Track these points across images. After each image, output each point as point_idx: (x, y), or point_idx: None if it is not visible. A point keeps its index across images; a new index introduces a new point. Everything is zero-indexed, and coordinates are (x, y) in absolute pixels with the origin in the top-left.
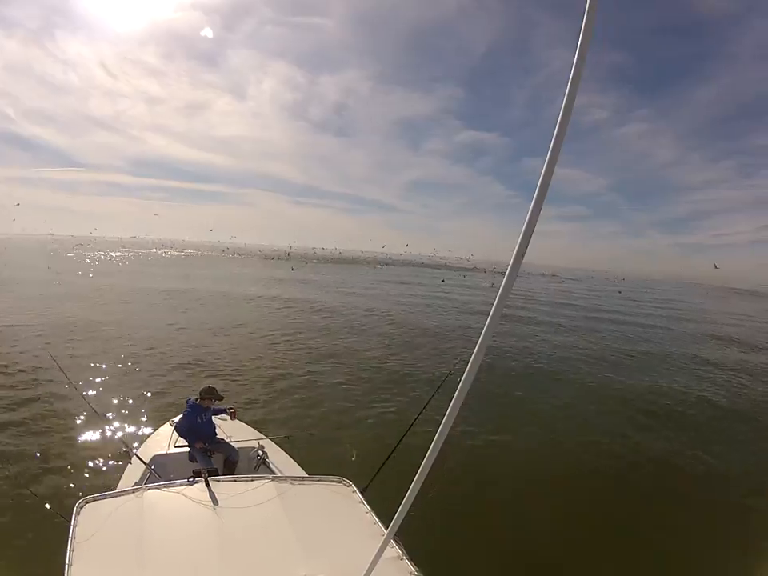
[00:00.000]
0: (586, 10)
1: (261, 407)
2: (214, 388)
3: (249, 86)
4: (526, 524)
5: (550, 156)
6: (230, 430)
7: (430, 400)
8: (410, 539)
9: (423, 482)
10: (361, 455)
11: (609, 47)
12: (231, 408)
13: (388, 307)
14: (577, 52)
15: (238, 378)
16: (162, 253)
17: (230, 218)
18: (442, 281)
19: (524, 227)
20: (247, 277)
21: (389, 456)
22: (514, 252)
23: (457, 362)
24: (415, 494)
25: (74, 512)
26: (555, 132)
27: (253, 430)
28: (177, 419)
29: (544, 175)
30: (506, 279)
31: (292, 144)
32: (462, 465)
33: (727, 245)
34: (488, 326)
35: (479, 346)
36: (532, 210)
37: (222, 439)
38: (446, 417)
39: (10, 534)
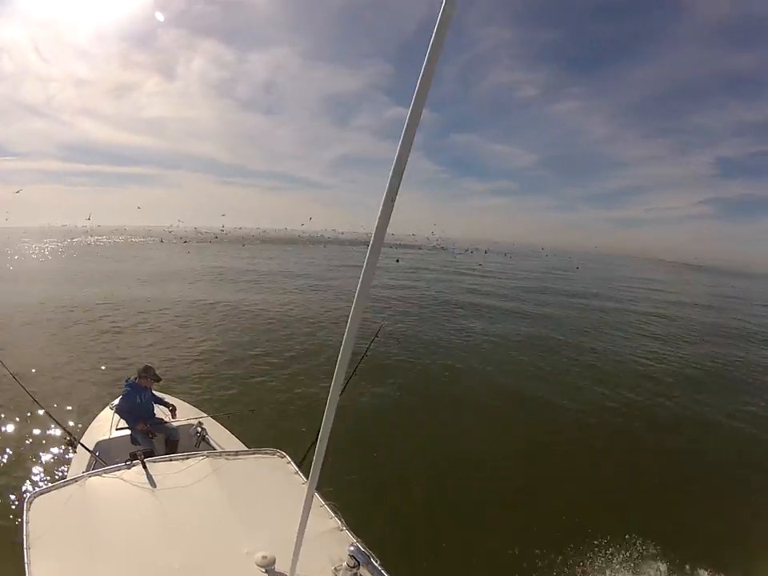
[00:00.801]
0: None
1: (202, 387)
2: (151, 367)
3: (177, 66)
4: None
5: (403, 140)
6: (159, 411)
7: (354, 371)
8: (349, 511)
9: (329, 436)
10: (297, 430)
11: (542, 25)
12: (172, 406)
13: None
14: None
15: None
16: (92, 241)
17: (159, 199)
18: (397, 261)
19: (380, 211)
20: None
21: (319, 428)
22: (374, 230)
23: (374, 337)
24: (323, 451)
25: (25, 508)
26: (407, 121)
27: (193, 407)
28: (116, 402)
29: (400, 150)
30: (368, 257)
31: (220, 123)
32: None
33: (660, 219)
34: (356, 304)
35: (351, 320)
36: (389, 187)
37: (162, 419)
38: (334, 378)
39: None
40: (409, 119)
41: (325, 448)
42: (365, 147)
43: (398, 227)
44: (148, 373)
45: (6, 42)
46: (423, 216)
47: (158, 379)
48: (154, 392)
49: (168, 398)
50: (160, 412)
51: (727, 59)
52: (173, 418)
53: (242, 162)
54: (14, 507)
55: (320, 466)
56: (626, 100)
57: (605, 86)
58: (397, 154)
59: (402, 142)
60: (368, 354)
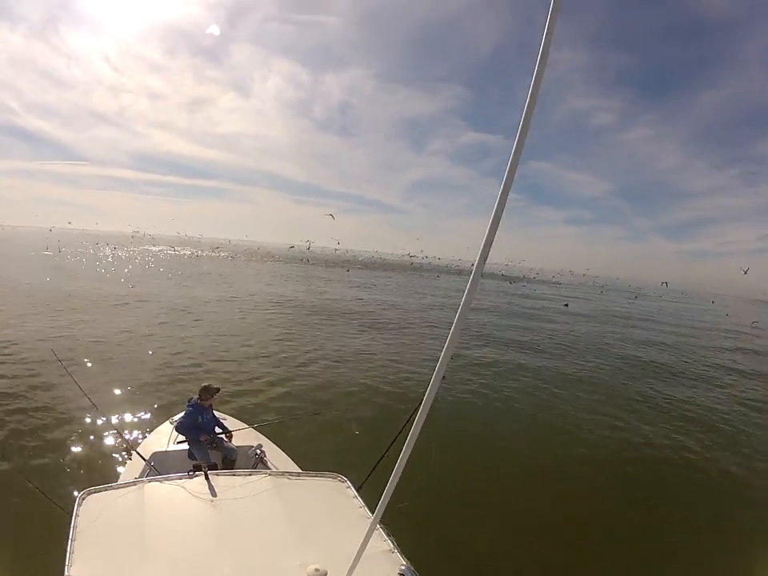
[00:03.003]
0: (550, 9)
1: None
2: (209, 386)
3: (253, 83)
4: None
5: (510, 166)
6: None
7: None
8: (402, 534)
9: (403, 472)
10: (359, 452)
11: (615, 49)
12: (230, 433)
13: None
14: (538, 58)
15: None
16: (168, 252)
17: (232, 215)
18: (566, 305)
19: (486, 233)
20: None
21: (384, 454)
22: (477, 257)
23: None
24: (395, 483)
25: (76, 503)
26: (514, 146)
27: (253, 430)
28: (176, 418)
29: (505, 182)
30: (470, 284)
31: (295, 142)
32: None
33: (730, 252)
34: (454, 327)
35: (447, 348)
36: (493, 218)
37: (222, 438)
38: (419, 412)
39: (9, 526)
40: (516, 143)
41: (398, 479)
42: (439, 172)
43: (468, 254)
44: (209, 392)
45: (75, 49)
46: (496, 245)
47: (217, 390)
48: (215, 413)
49: (228, 420)
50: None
51: None
52: (228, 441)
53: (317, 182)
54: (64, 508)
55: (390, 495)
56: (694, 127)
57: (675, 112)
58: (502, 186)
59: (507, 174)
60: None
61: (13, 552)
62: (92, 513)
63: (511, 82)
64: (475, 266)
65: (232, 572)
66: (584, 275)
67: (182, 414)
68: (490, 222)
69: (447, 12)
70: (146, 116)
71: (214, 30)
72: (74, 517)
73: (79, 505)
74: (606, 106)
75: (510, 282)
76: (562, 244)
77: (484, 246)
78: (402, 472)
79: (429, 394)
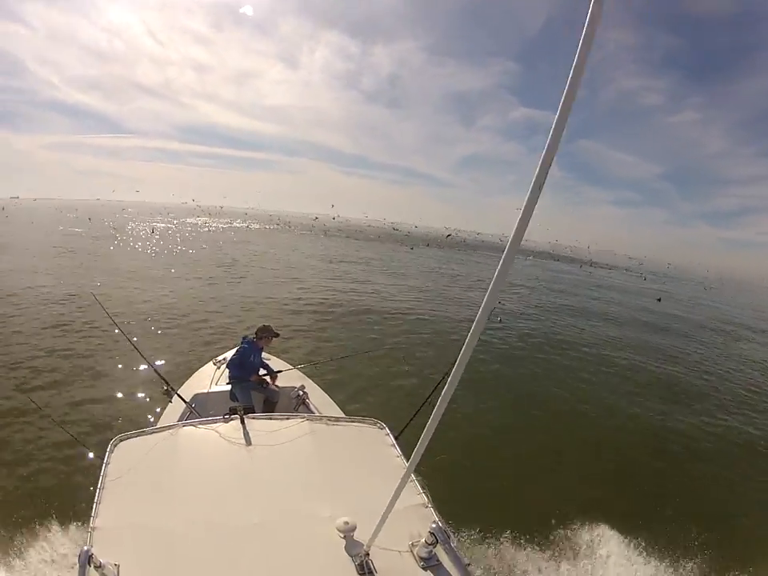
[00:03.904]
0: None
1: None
2: (269, 327)
3: (301, 55)
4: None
5: (550, 142)
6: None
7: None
8: (437, 488)
9: (439, 422)
10: (405, 396)
11: (664, 30)
12: (275, 374)
13: None
14: (582, 36)
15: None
16: (247, 226)
17: (280, 185)
18: (659, 299)
19: (520, 215)
20: None
21: (425, 401)
22: (510, 238)
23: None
24: (431, 433)
25: (108, 450)
26: (554, 124)
27: (297, 370)
28: (220, 357)
29: (542, 163)
30: (501, 265)
31: (343, 114)
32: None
33: None
34: (487, 300)
35: (480, 316)
36: (528, 199)
37: (267, 380)
38: (455, 368)
39: (43, 470)
40: (557, 121)
41: (433, 429)
42: (489, 147)
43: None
44: (267, 333)
45: (116, 24)
46: (540, 222)
47: (276, 335)
48: (263, 356)
49: (272, 360)
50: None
51: None
52: (272, 383)
53: (364, 153)
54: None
55: (425, 447)
56: (742, 113)
57: (722, 96)
58: (541, 160)
59: (548, 146)
60: None
61: (44, 498)
62: (124, 460)
63: (560, 57)
64: (510, 240)
65: (261, 521)
66: (630, 258)
67: (233, 350)
68: (527, 198)
69: None
70: (193, 88)
71: (248, 9)
72: (104, 465)
73: (111, 452)
74: (654, 86)
75: (580, 266)
76: (607, 225)
77: (520, 220)
78: (439, 424)
79: (468, 344)
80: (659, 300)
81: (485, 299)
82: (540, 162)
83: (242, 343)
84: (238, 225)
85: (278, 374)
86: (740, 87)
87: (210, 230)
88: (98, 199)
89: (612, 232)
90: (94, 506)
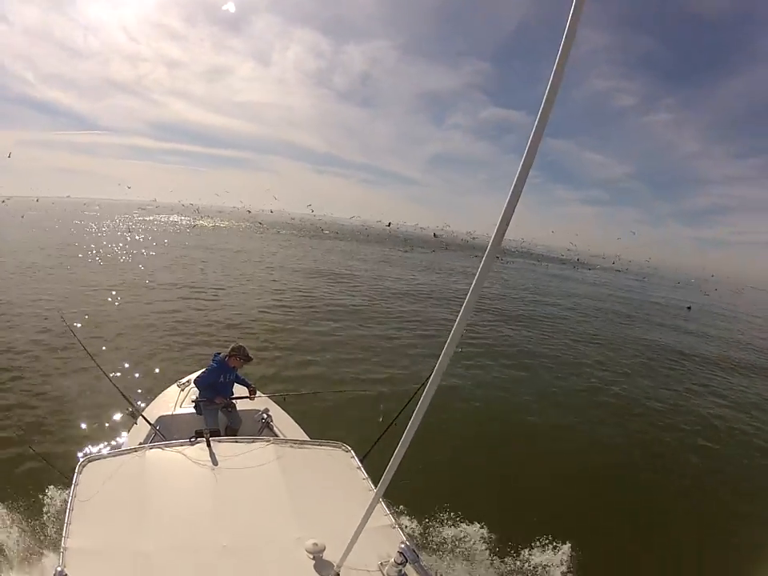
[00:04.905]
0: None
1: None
2: (243, 347)
3: (273, 53)
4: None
5: (530, 147)
6: (237, 392)
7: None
8: (404, 510)
9: (409, 447)
10: (366, 423)
11: (639, 31)
12: (253, 385)
13: None
14: (563, 40)
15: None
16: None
17: (252, 183)
18: (689, 308)
19: (500, 217)
20: None
21: (390, 423)
22: (494, 233)
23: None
24: (401, 457)
25: (76, 471)
26: (534, 127)
27: (262, 394)
28: (184, 380)
29: (524, 163)
30: (482, 266)
31: (315, 112)
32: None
33: (745, 243)
34: (465, 307)
35: (457, 326)
36: (509, 201)
37: (235, 404)
38: (426, 388)
39: (11, 493)
40: (538, 121)
41: (404, 452)
42: (460, 146)
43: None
44: (238, 353)
45: (91, 21)
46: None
47: (250, 359)
48: (237, 373)
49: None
50: (237, 393)
51: None
52: (251, 399)
53: (337, 152)
54: (66, 474)
55: (394, 469)
56: (716, 115)
57: (696, 98)
58: (522, 162)
59: (528, 150)
60: None
61: (13, 521)
62: (92, 482)
63: (533, 58)
64: (491, 242)
65: (230, 544)
66: (603, 257)
67: (198, 372)
68: (508, 198)
69: None
70: (164, 84)
71: (230, 6)
72: (73, 486)
73: (79, 473)
74: (628, 87)
75: (575, 268)
76: (576, 224)
77: (501, 221)
78: (409, 447)
79: (439, 366)
80: (689, 308)
81: (455, 324)
82: (521, 164)
83: (213, 361)
84: (200, 222)
85: (245, 396)
86: (715, 89)
87: (176, 231)
88: (68, 196)
89: (581, 231)
90: (65, 527)
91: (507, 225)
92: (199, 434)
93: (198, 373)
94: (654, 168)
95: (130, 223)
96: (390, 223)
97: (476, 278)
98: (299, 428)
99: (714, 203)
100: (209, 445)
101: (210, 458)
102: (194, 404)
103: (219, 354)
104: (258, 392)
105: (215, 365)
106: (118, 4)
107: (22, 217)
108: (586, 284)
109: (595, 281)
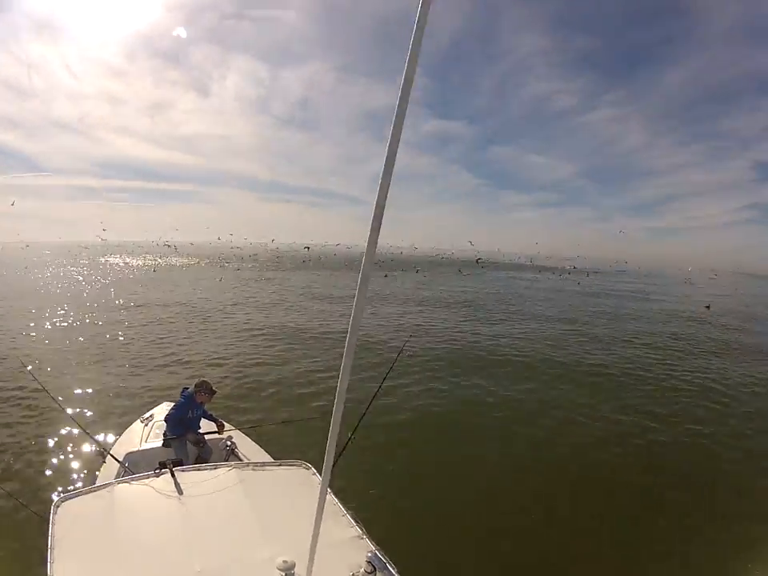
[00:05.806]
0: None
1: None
2: (207, 382)
3: (212, 83)
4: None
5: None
6: (203, 425)
7: (384, 380)
8: (371, 521)
9: (377, 461)
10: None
11: (577, 31)
12: (220, 421)
13: None
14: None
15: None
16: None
17: (200, 216)
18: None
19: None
20: None
21: (349, 439)
22: (366, 243)
23: (407, 339)
24: (332, 453)
25: (52, 511)
26: (389, 141)
27: (225, 423)
28: (147, 415)
29: (383, 176)
30: (362, 273)
31: (257, 140)
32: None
33: (699, 227)
34: (354, 312)
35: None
36: (375, 211)
37: (203, 435)
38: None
39: None
40: (395, 119)
41: (333, 454)
42: (404, 163)
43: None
44: (203, 388)
45: (35, 58)
46: (461, 230)
47: (214, 392)
48: (204, 408)
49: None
50: (204, 428)
51: (757, 59)
52: (220, 433)
53: (281, 179)
54: (41, 516)
55: (330, 468)
56: (659, 106)
57: (639, 92)
58: (386, 156)
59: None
60: None
61: None
62: (68, 520)
63: (470, 69)
64: (366, 252)
65: (203, 569)
66: (548, 258)
67: (159, 407)
68: (375, 204)
69: (403, 2)
70: (107, 122)
71: (181, 32)
72: (50, 525)
73: (55, 513)
74: (567, 88)
75: (560, 275)
76: (526, 228)
77: (371, 231)
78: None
79: (342, 373)
80: (708, 307)
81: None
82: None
83: (182, 396)
84: (142, 262)
85: (213, 432)
86: (656, 80)
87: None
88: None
89: (531, 236)
90: (48, 567)
91: (377, 233)
92: (163, 465)
93: (166, 408)
94: (599, 165)
95: (79, 267)
96: (307, 247)
97: (357, 291)
98: (263, 451)
99: (664, 193)
100: (173, 475)
101: (175, 488)
102: (161, 440)
103: (187, 389)
104: (225, 425)
105: (183, 401)
106: (58, 40)
107: None
108: (583, 294)
109: (583, 289)
